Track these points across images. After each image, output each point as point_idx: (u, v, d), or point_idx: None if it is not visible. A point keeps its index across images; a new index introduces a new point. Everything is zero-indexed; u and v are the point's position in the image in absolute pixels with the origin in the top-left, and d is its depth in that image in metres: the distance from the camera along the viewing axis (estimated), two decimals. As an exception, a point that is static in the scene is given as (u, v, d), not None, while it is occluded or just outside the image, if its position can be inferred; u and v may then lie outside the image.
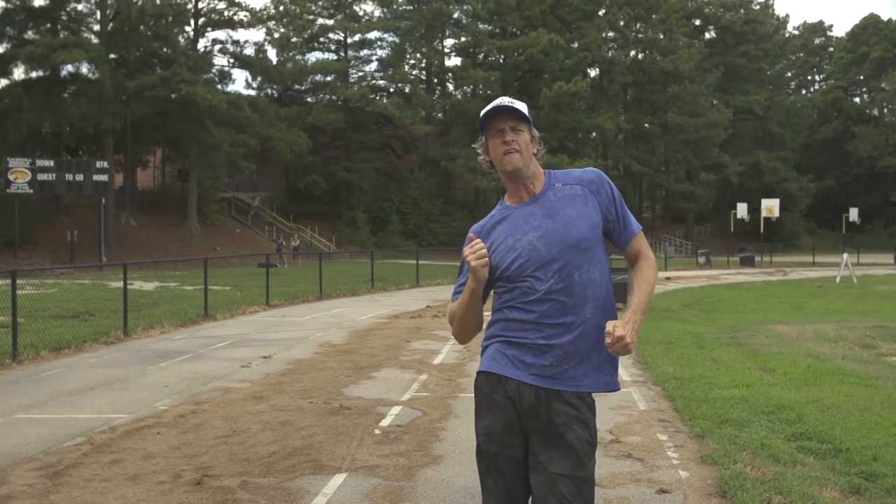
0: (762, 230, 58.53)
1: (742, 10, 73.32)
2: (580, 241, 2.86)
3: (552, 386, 2.82)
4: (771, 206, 56.49)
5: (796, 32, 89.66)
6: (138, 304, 18.79)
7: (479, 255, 2.85)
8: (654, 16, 66.07)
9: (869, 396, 8.43)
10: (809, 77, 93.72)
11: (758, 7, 75.30)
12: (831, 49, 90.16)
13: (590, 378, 2.87)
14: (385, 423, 7.26)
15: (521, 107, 2.95)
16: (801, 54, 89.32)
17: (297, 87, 61.47)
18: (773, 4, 77.61)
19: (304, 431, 6.91)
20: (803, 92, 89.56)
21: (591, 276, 2.86)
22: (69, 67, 44.09)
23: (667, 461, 5.98)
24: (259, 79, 58.76)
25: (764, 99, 71.44)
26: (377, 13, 63.86)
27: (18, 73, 45.43)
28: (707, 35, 76.35)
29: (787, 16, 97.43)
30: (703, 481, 5.47)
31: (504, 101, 2.94)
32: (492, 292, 3.01)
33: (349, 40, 63.12)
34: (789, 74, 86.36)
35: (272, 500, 5.08)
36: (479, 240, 2.90)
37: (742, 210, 58.88)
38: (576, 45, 62.15)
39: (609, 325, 2.71)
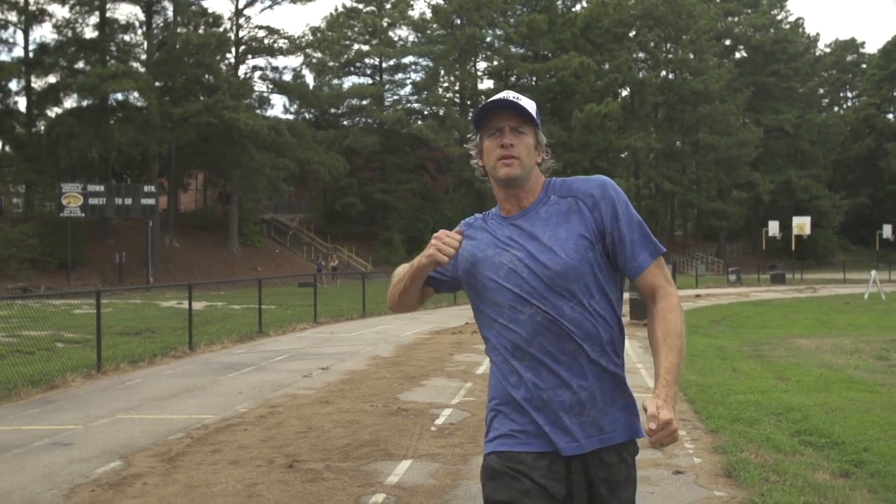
0: (793, 248, 58.96)
1: (772, 30, 74.02)
2: (567, 271, 2.37)
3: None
4: (802, 224, 57.00)
5: (828, 50, 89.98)
6: (194, 322, 20.01)
7: (446, 242, 2.42)
8: (684, 37, 67.00)
9: (872, 400, 9.36)
10: (842, 94, 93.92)
11: (788, 27, 75.98)
12: (864, 66, 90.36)
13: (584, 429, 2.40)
14: (439, 421, 8.34)
15: (529, 105, 2.47)
16: (833, 71, 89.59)
17: (333, 110, 63.08)
18: (803, 24, 78.25)
19: (370, 428, 8.00)
20: (836, 109, 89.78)
21: (583, 310, 2.39)
22: (118, 96, 45.89)
23: (683, 451, 7.00)
24: (297, 103, 60.42)
25: (794, 117, 71.99)
26: (412, 38, 65.42)
27: (68, 101, 47.41)
28: (737, 55, 77.15)
29: (818, 34, 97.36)
30: (713, 465, 6.49)
31: (508, 95, 2.47)
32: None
33: (384, 65, 64.69)
34: (821, 91, 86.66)
35: (353, 479, 6.18)
36: (460, 232, 2.50)
37: (774, 228, 59.40)
38: (607, 66, 63.21)
39: (650, 406, 2.17)
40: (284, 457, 6.86)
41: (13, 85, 46.32)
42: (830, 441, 7.26)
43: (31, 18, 45.66)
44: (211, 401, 9.78)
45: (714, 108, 64.56)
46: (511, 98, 2.45)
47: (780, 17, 76.34)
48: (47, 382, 11.07)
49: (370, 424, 8.18)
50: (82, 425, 8.36)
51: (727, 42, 75.99)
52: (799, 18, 78.33)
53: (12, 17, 45.32)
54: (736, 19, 75.74)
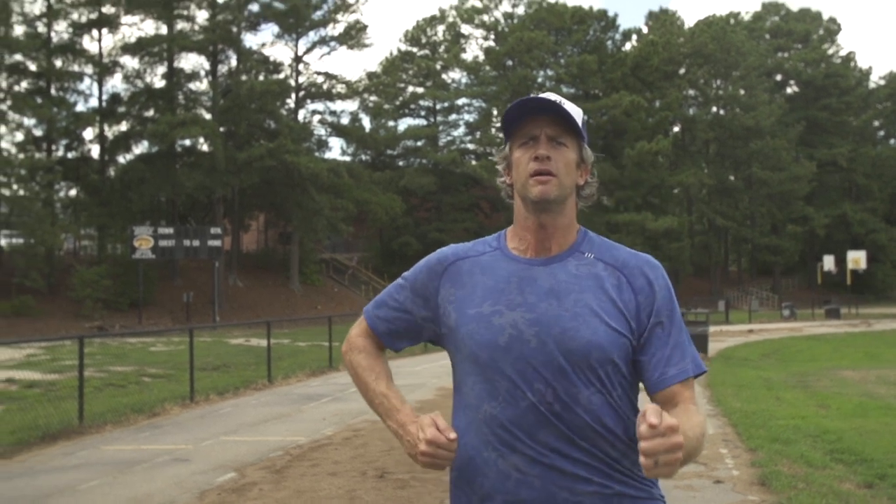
0: (849, 282, 58.76)
1: (823, 65, 74.29)
2: (589, 351, 1.85)
3: None
4: (857, 258, 56.86)
5: (882, 83, 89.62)
6: (265, 358, 21.27)
7: (441, 457, 1.87)
8: (734, 73, 67.60)
9: (906, 425, 10.15)
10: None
11: (839, 61, 76.14)
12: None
13: None
14: (506, 442, 9.34)
15: (574, 111, 1.98)
16: (888, 104, 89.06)
17: (389, 152, 64.76)
18: (854, 58, 78.26)
19: (445, 448, 9.02)
20: (891, 141, 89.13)
21: (605, 400, 1.88)
22: (185, 142, 48.02)
23: (724, 465, 7.92)
24: (354, 145, 62.21)
25: (848, 151, 71.89)
26: (464, 80, 67.02)
27: (138, 148, 49.73)
28: (788, 90, 77.42)
29: (870, 68, 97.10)
30: (750, 476, 7.41)
31: (550, 96, 1.96)
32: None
33: (438, 106, 66.34)
34: (876, 124, 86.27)
35: (437, 486, 7.21)
36: (454, 441, 1.84)
37: (829, 262, 59.29)
38: (657, 104, 64.06)
39: (650, 411, 1.57)
40: (375, 469, 7.93)
41: (87, 133, 48.75)
42: (859, 458, 8.11)
43: (105, 70, 48.11)
44: (299, 426, 10.90)
45: (766, 143, 64.95)
46: (553, 99, 1.94)
47: (830, 52, 76.59)
48: (149, 411, 12.31)
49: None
50: (192, 445, 9.53)
51: (778, 77, 76.38)
52: (850, 52, 78.45)
53: (88, 69, 47.82)
54: (786, 55, 76.20)
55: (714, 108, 69.62)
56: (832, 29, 77.25)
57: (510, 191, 2.04)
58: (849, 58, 77.75)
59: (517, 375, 1.87)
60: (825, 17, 77.93)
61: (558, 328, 1.87)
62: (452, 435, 1.84)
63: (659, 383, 1.90)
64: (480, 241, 2.11)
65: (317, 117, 57.95)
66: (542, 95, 1.96)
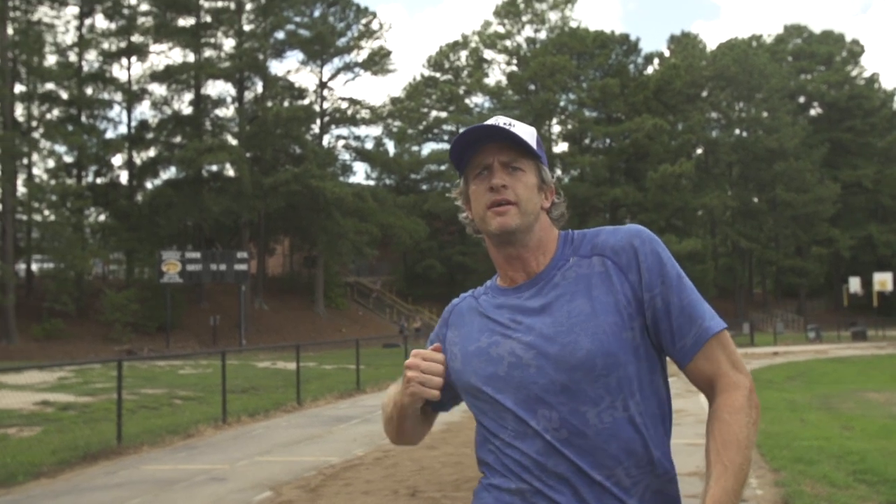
0: (876, 304, 58.38)
1: (846, 86, 74.17)
2: (594, 360, 1.75)
3: None
4: (884, 280, 56.55)
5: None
6: (293, 381, 21.55)
7: (426, 370, 1.89)
8: (756, 95, 67.65)
9: (929, 447, 10.24)
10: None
11: (863, 83, 75.97)
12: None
13: None
14: (533, 462, 9.56)
15: (525, 132, 1.86)
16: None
17: (413, 176, 65.36)
18: (878, 79, 78.08)
19: (475, 468, 9.17)
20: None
21: (617, 417, 1.75)
22: (212, 167, 48.79)
23: (748, 484, 8.07)
24: (378, 170, 62.84)
25: (873, 172, 71.56)
26: (487, 104, 67.51)
27: (166, 173, 50.59)
28: (812, 112, 77.28)
29: (895, 89, 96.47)
30: (773, 496, 7.58)
31: (499, 120, 1.86)
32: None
33: (461, 130, 66.74)
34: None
35: (467, 504, 7.45)
36: (437, 349, 1.95)
37: (855, 284, 58.99)
38: (680, 127, 64.23)
39: None
40: (406, 488, 8.17)
41: (117, 160, 49.67)
42: (882, 479, 8.23)
43: (134, 97, 49.07)
44: (331, 446, 11.16)
45: (789, 165, 64.87)
46: (501, 124, 1.84)
47: (854, 74, 76.44)
48: (184, 432, 12.61)
49: (474, 465, 9.38)
50: (228, 465, 9.81)
51: (801, 99, 76.26)
52: (874, 74, 78.24)
53: (117, 97, 48.82)
54: (809, 77, 76.11)
55: (737, 131, 69.67)
56: (855, 51, 77.14)
57: (474, 226, 1.95)
58: (872, 79, 77.53)
59: (520, 404, 1.77)
60: (848, 38, 77.84)
61: (556, 346, 1.76)
62: (436, 344, 1.94)
63: (682, 359, 1.80)
64: (478, 288, 2.05)
65: (341, 142, 58.72)
66: (488, 122, 1.86)
